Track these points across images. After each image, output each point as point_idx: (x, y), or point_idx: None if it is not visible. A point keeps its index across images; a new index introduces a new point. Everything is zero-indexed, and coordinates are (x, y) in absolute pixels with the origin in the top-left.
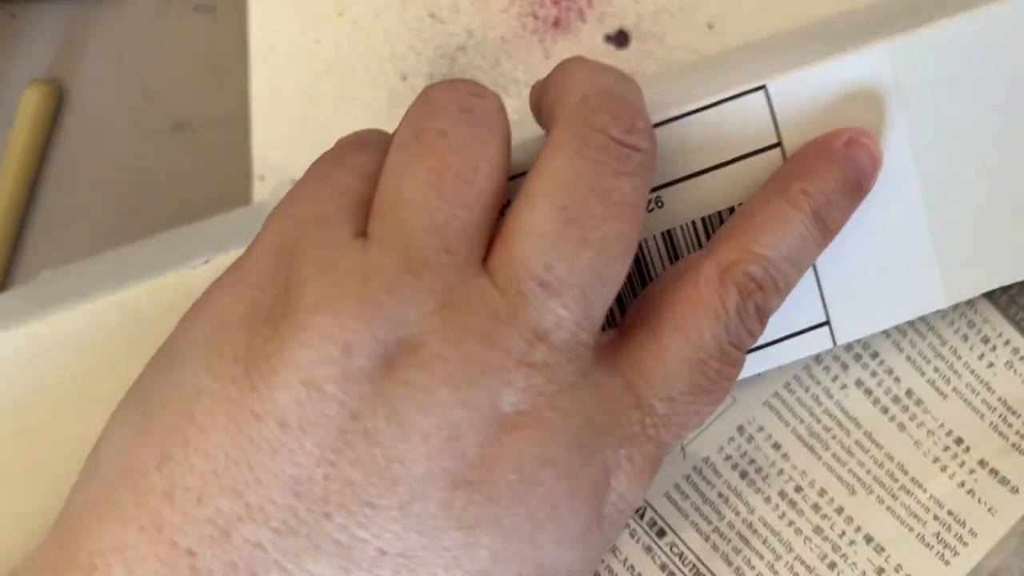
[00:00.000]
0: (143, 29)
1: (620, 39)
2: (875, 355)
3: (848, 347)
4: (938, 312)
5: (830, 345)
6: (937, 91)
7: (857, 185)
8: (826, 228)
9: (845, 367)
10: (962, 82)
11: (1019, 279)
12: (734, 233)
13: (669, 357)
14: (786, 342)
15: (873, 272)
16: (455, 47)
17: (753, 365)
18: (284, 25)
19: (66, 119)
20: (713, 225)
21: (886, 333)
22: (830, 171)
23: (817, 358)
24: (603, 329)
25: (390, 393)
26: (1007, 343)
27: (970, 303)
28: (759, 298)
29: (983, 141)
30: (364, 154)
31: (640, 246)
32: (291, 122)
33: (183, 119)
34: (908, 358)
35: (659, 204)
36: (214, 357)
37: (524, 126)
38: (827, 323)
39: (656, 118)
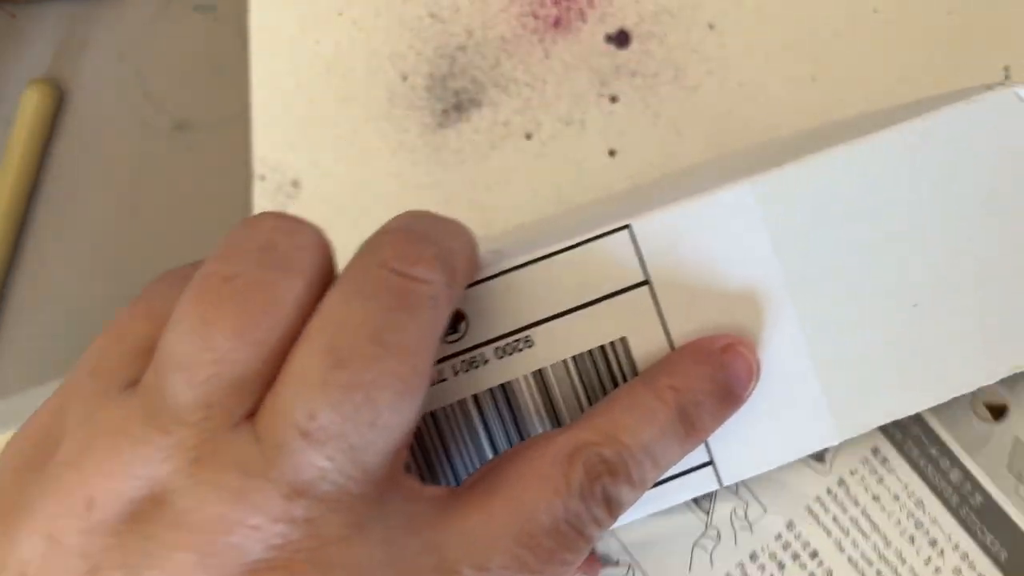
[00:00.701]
0: (143, 29)
1: (621, 39)
2: (814, 555)
3: (786, 545)
4: (884, 511)
5: (716, 486)
6: (806, 226)
7: (729, 391)
8: (692, 428)
9: (782, 566)
10: (830, 217)
11: (908, 414)
12: (594, 415)
13: (494, 524)
14: (669, 484)
15: (757, 411)
16: (455, 47)
17: (636, 508)
18: (284, 25)
19: (66, 119)
20: (584, 364)
21: (827, 531)
22: (702, 372)
23: (752, 555)
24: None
25: (130, 546)
26: (956, 547)
27: (918, 502)
28: (607, 482)
29: (856, 275)
30: (166, 291)
31: (511, 387)
32: (291, 122)
33: (183, 119)
34: (850, 559)
35: (528, 344)
36: None
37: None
38: (711, 463)
39: (523, 258)
